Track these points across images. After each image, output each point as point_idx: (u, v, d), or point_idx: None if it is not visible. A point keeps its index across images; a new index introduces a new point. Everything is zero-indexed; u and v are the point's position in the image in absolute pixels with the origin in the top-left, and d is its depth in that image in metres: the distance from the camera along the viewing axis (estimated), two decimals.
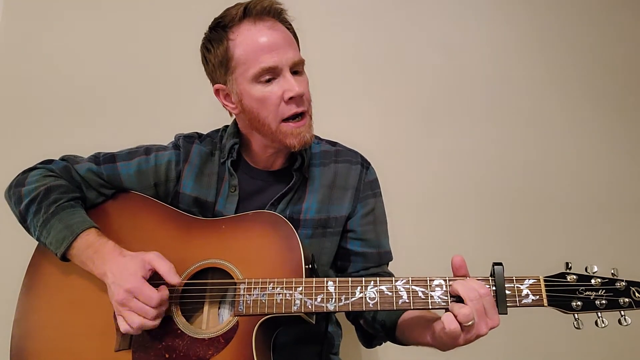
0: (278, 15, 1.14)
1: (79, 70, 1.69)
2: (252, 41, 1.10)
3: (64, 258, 1.09)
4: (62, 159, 1.23)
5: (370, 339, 1.24)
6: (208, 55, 1.16)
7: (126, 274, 1.02)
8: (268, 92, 1.10)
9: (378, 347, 1.24)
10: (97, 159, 1.23)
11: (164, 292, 1.02)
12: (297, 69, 1.14)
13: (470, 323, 0.89)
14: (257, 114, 1.13)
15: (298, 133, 1.12)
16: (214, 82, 1.19)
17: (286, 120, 1.12)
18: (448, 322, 0.90)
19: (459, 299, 0.93)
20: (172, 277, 1.02)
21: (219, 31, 1.14)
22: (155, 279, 1.04)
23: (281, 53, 1.10)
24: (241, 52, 1.10)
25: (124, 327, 1.01)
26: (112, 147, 1.27)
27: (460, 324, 0.89)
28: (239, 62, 1.11)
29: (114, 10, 1.73)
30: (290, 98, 1.10)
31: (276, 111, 1.11)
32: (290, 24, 1.18)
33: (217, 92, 1.19)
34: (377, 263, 1.26)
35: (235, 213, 1.20)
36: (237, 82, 1.13)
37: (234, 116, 1.26)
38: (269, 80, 1.10)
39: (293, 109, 1.11)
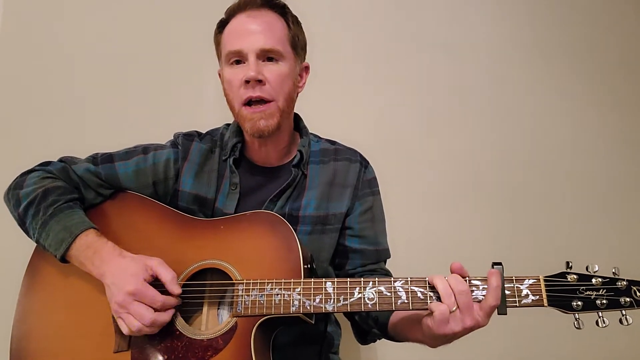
0: (259, 4, 1.17)
1: (78, 70, 1.68)
2: (230, 29, 1.18)
3: (63, 260, 1.09)
4: (60, 160, 1.23)
5: (364, 335, 1.24)
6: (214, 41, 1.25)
7: (127, 275, 1.01)
8: (233, 75, 1.15)
9: (377, 347, 1.25)
10: (95, 159, 1.23)
11: (171, 298, 1.02)
12: (271, 56, 1.15)
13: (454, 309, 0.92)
14: (227, 95, 1.19)
15: (251, 118, 1.14)
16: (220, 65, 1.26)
17: (246, 104, 1.15)
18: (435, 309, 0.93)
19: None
20: (174, 287, 1.02)
21: (220, 21, 1.22)
22: (155, 287, 1.03)
23: (249, 39, 1.13)
24: (224, 36, 1.19)
25: (124, 329, 1.01)
26: (111, 148, 1.26)
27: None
28: (223, 46, 1.19)
29: (114, 10, 1.72)
30: (247, 82, 1.12)
31: (237, 94, 1.15)
32: (288, 18, 1.20)
33: (219, 75, 1.25)
34: (374, 260, 1.27)
35: (236, 210, 1.20)
36: (222, 66, 1.21)
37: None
38: (237, 63, 1.15)
39: (249, 92, 1.13)
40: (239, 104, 1.15)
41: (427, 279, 0.97)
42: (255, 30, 1.14)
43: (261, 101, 1.13)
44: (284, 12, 1.20)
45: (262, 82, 1.13)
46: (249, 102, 1.14)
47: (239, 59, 1.14)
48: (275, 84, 1.15)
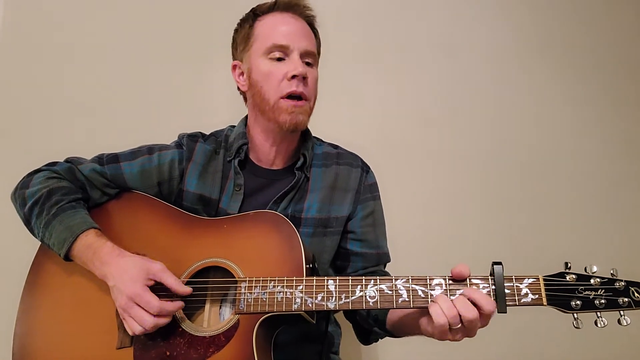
0: (302, 12, 1.24)
1: (83, 71, 1.69)
2: (273, 23, 1.22)
3: (67, 258, 1.11)
4: (67, 161, 1.24)
5: (366, 335, 1.25)
6: (235, 34, 1.29)
7: (127, 278, 1.02)
8: (274, 68, 1.18)
9: (378, 347, 1.25)
10: (100, 159, 1.25)
11: (171, 304, 1.02)
12: (308, 60, 1.21)
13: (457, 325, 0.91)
14: (260, 87, 1.19)
15: (292, 111, 1.17)
16: (234, 58, 1.30)
17: (285, 98, 1.17)
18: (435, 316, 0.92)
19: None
20: (182, 288, 1.04)
21: (250, 14, 1.26)
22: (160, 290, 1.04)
23: (295, 38, 1.19)
24: (261, 29, 1.22)
25: (129, 330, 1.02)
26: (116, 148, 1.28)
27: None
28: (258, 37, 1.21)
29: (117, 9, 1.73)
30: (293, 77, 1.16)
31: (277, 87, 1.17)
32: (316, 29, 1.28)
33: (233, 67, 1.28)
34: (375, 263, 1.28)
35: (239, 210, 1.21)
36: (251, 57, 1.22)
37: (244, 115, 1.30)
38: (278, 59, 1.18)
39: (293, 87, 1.16)
40: (277, 96, 1.17)
41: (429, 299, 0.97)
42: (300, 32, 1.21)
43: (300, 98, 1.18)
44: (313, 23, 1.27)
45: (305, 81, 1.18)
46: (290, 96, 1.17)
47: (281, 54, 1.18)
48: (312, 86, 1.22)
